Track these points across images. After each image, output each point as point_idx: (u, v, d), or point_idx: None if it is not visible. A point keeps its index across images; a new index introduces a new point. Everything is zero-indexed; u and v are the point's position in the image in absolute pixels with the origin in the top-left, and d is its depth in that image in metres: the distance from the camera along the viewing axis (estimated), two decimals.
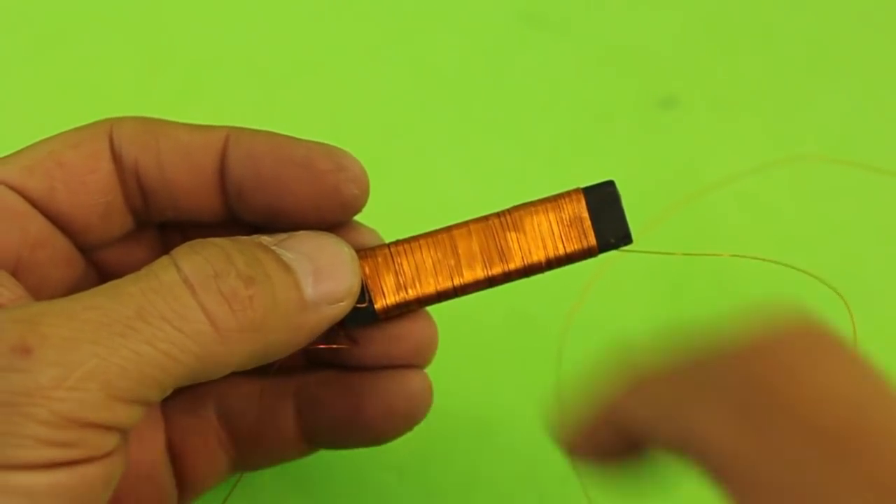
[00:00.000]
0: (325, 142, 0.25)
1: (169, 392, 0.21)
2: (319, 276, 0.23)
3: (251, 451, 0.28)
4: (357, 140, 0.40)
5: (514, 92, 0.41)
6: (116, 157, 0.25)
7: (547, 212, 0.25)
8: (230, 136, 0.25)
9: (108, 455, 0.20)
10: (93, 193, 0.25)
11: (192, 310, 0.21)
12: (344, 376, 0.27)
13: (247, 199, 0.25)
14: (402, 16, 0.42)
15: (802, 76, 0.40)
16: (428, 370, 0.27)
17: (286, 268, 0.23)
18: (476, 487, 0.34)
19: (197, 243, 0.22)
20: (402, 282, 0.25)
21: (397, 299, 0.25)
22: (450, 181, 0.39)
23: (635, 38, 0.42)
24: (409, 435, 0.34)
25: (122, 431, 0.20)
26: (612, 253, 0.25)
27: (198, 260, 0.21)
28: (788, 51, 0.41)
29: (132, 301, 0.20)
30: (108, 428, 0.20)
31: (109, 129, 0.25)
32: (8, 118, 0.39)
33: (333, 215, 0.25)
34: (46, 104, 0.39)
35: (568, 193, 0.25)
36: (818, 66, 0.41)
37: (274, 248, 0.23)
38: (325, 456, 0.34)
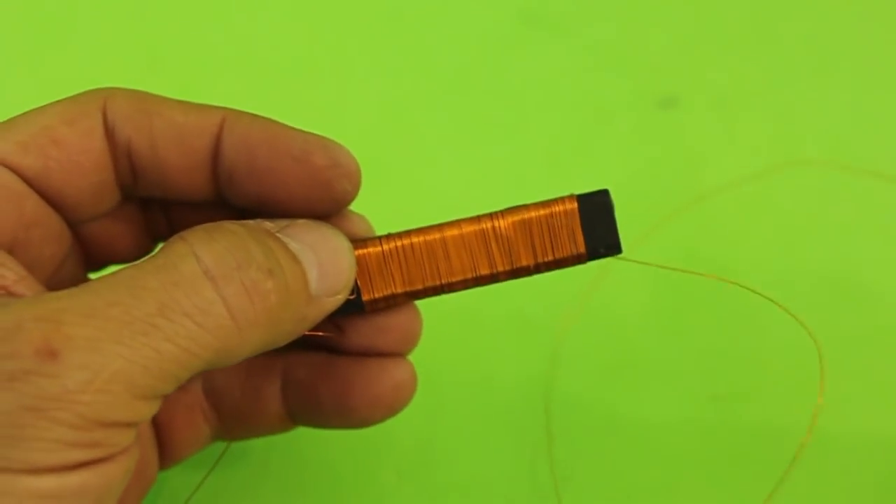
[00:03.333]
0: (321, 134, 0.25)
1: (183, 382, 0.21)
2: (323, 268, 0.23)
3: (235, 425, 0.28)
4: (355, 139, 0.39)
5: (513, 92, 0.41)
6: (109, 135, 0.24)
7: (539, 215, 0.25)
8: (226, 120, 0.25)
9: (127, 449, 0.20)
10: (87, 173, 0.24)
11: (213, 304, 0.21)
12: (331, 361, 0.27)
13: (238, 185, 0.25)
14: (401, 16, 0.42)
15: (802, 77, 0.40)
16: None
17: (295, 259, 0.23)
18: (476, 487, 0.33)
19: (212, 229, 0.22)
20: (390, 275, 0.25)
21: (385, 292, 0.25)
22: (448, 181, 0.39)
23: (635, 38, 0.42)
24: (408, 435, 0.34)
25: (139, 425, 0.21)
26: (613, 263, 0.25)
27: (218, 249, 0.21)
28: (788, 51, 0.41)
29: (153, 297, 0.20)
30: (128, 424, 0.20)
31: (103, 104, 0.24)
32: (6, 117, 0.39)
33: (324, 208, 0.25)
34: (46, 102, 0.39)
35: (561, 199, 0.25)
36: (818, 66, 0.41)
37: (279, 235, 0.23)
38: (324, 455, 0.34)
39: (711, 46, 0.41)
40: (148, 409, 0.20)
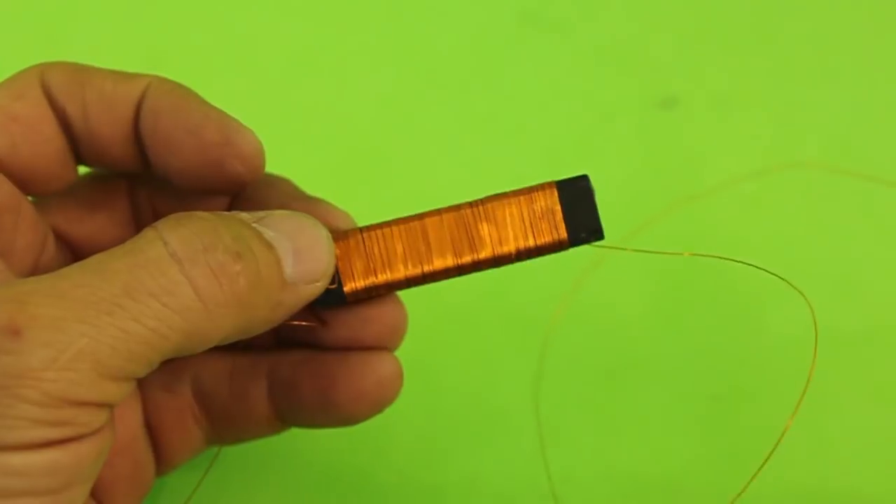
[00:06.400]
0: (231, 114, 0.25)
1: (156, 366, 0.21)
2: (299, 255, 0.23)
3: (225, 427, 0.28)
4: (355, 139, 0.40)
5: (513, 92, 0.41)
6: (52, 105, 0.25)
7: (519, 203, 0.25)
8: (148, 89, 0.25)
9: (98, 431, 0.20)
10: (50, 139, 0.25)
11: (179, 284, 0.21)
12: (316, 358, 0.27)
13: (152, 156, 0.25)
14: (401, 15, 0.42)
15: (803, 77, 0.40)
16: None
17: (268, 245, 0.23)
18: (476, 487, 0.33)
19: (182, 216, 0.22)
20: (371, 266, 0.25)
21: (366, 283, 0.25)
22: (448, 181, 0.39)
23: (635, 38, 0.42)
24: (409, 435, 0.34)
25: (111, 407, 0.21)
26: (604, 251, 0.25)
27: (185, 233, 0.21)
28: (789, 51, 0.41)
29: (119, 278, 0.20)
30: (99, 405, 0.20)
31: (41, 76, 0.25)
32: None
33: (220, 186, 0.25)
34: None
35: (541, 186, 0.25)
36: (819, 66, 0.41)
37: (254, 225, 0.23)
38: (325, 456, 0.34)
39: (711, 46, 0.41)
40: (118, 391, 0.20)
